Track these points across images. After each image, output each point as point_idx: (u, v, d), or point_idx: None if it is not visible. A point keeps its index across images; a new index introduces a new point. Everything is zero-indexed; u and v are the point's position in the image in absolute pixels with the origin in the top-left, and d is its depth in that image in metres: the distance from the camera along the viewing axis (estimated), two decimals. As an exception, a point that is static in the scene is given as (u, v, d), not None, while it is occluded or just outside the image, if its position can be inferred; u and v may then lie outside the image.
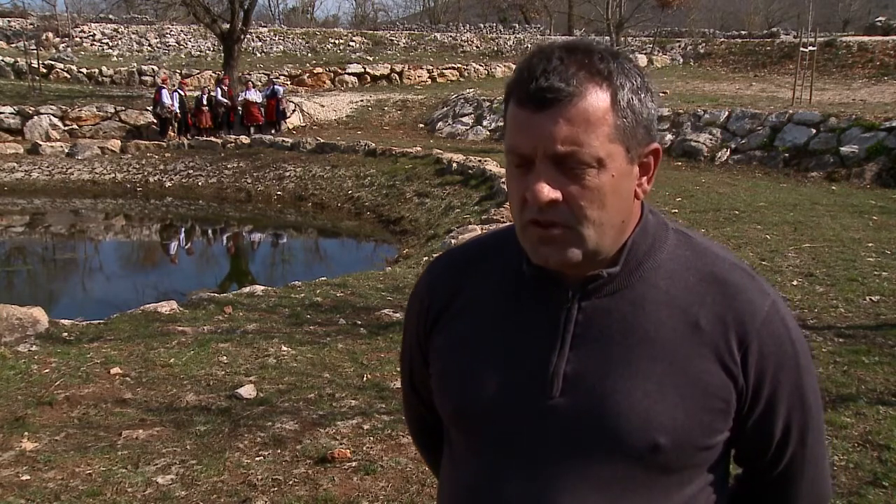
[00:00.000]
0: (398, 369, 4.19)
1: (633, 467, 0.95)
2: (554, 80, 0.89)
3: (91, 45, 28.92)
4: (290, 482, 3.24)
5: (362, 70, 25.57)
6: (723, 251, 1.04)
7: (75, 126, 18.35)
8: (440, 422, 1.13)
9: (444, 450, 1.14)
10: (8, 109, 18.09)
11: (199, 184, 16.36)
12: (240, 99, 18.91)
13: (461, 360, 1.04)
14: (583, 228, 0.92)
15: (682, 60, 26.00)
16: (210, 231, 14.26)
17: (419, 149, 15.28)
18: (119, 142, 17.84)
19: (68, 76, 24.42)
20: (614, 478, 0.95)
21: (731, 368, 0.95)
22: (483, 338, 1.03)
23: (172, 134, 18.19)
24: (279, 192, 15.48)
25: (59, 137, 18.00)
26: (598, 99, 0.90)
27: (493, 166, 12.69)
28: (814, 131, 13.27)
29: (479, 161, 13.15)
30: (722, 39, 27.36)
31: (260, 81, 22.21)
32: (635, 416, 0.93)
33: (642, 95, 0.94)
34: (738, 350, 0.96)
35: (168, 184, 16.45)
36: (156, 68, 25.00)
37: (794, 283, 6.13)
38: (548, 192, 0.90)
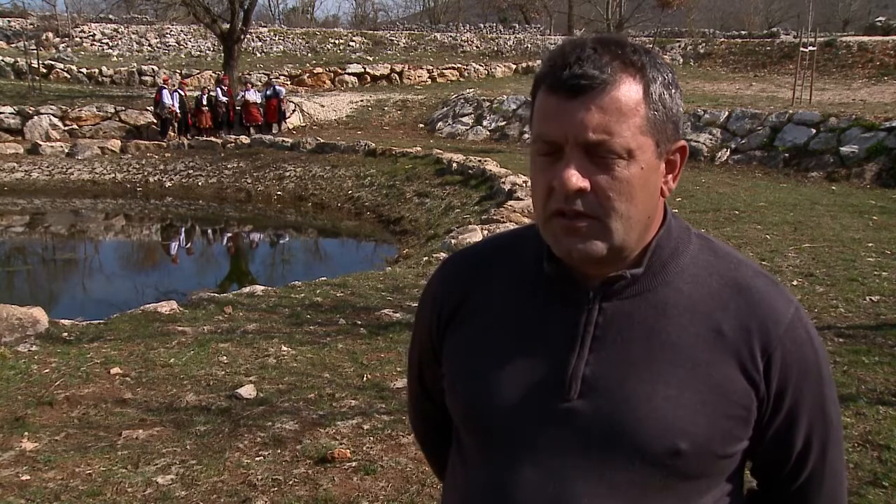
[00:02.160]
0: (398, 369, 4.18)
1: (652, 472, 0.93)
2: (588, 68, 0.88)
3: (91, 45, 28.92)
4: (290, 482, 3.24)
5: (362, 70, 25.58)
6: (745, 258, 1.02)
7: (75, 126, 18.35)
8: (447, 422, 1.12)
9: (451, 451, 1.12)
10: (8, 109, 18.08)
11: (199, 184, 16.36)
12: (238, 98, 18.91)
13: (476, 361, 1.02)
14: (610, 221, 0.90)
15: (682, 60, 25.99)
16: (210, 231, 14.26)
17: (419, 149, 15.28)
18: (119, 142, 17.85)
19: (68, 76, 24.43)
20: (632, 482, 0.93)
21: (753, 376, 0.94)
22: (499, 338, 1.01)
23: (173, 134, 18.20)
24: (279, 192, 15.48)
25: (59, 137, 18.00)
26: (630, 89, 0.89)
27: (493, 166, 12.70)
28: (814, 131, 13.27)
29: (479, 161, 13.15)
30: (722, 39, 27.35)
31: (260, 82, 22.21)
32: (656, 421, 0.92)
33: (672, 91, 0.93)
34: (760, 358, 0.94)
35: (168, 184, 16.45)
36: (156, 68, 25.00)
37: (794, 283, 6.13)
38: (577, 179, 0.89)
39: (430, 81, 25.46)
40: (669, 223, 0.99)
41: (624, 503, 0.94)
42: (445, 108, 19.93)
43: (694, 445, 0.92)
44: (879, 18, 28.99)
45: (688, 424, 0.92)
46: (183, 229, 14.44)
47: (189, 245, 13.64)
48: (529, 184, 0.99)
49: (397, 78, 25.42)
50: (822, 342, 1.00)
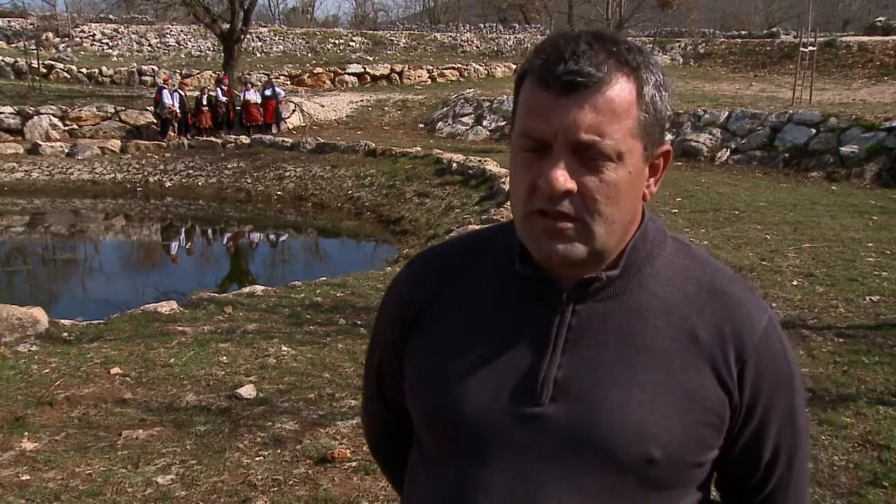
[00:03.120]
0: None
1: (624, 480, 0.90)
2: (584, 65, 0.85)
3: (91, 45, 28.93)
4: (290, 482, 3.24)
5: (362, 70, 25.58)
6: (720, 263, 1.01)
7: (75, 126, 18.35)
8: (403, 426, 1.09)
9: (412, 457, 1.08)
10: (8, 109, 18.08)
11: (199, 184, 16.36)
12: (239, 98, 18.92)
13: (444, 362, 0.98)
14: (594, 224, 0.88)
15: (682, 60, 26.00)
16: (210, 231, 14.25)
17: (419, 149, 15.28)
18: (119, 142, 17.84)
19: (68, 76, 24.43)
20: (603, 490, 0.91)
21: (727, 383, 0.92)
22: (468, 339, 0.97)
23: (173, 134, 18.20)
24: (279, 192, 15.48)
25: (59, 137, 17.99)
26: (624, 90, 0.87)
27: (493, 166, 12.70)
28: (814, 131, 13.28)
29: (479, 161, 13.15)
30: (722, 39, 27.37)
31: (260, 82, 22.23)
32: (629, 428, 0.89)
33: (663, 93, 0.91)
34: (735, 364, 0.93)
35: (168, 184, 16.45)
36: (156, 68, 25.02)
37: (794, 283, 6.13)
38: (564, 180, 0.86)
39: (430, 81, 25.47)
40: (646, 225, 0.97)
41: None
42: (445, 108, 19.93)
43: (667, 453, 0.90)
44: (879, 18, 28.99)
45: (662, 431, 0.90)
46: (183, 229, 14.44)
47: (189, 245, 13.64)
48: (509, 179, 0.94)
49: (397, 78, 25.43)
50: (794, 352, 0.99)
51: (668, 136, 14.60)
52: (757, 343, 0.93)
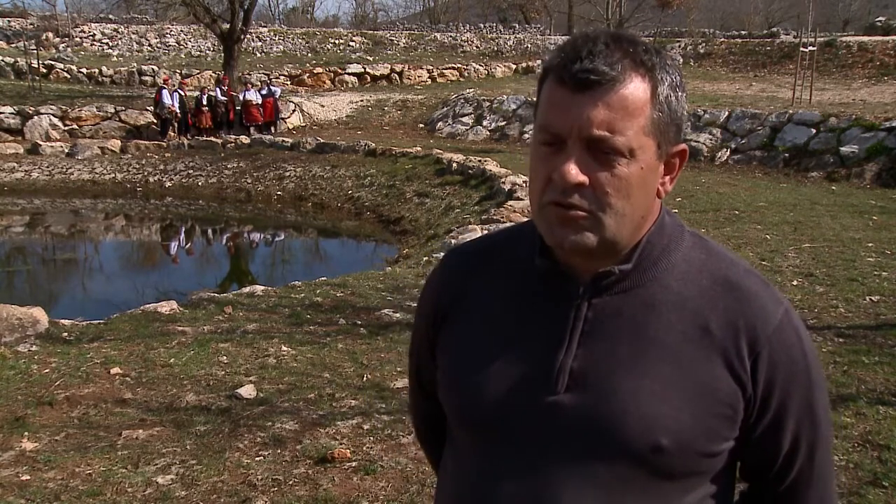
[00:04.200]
0: (398, 369, 4.19)
1: (635, 469, 0.93)
2: (599, 63, 0.89)
3: (91, 45, 28.93)
4: (290, 482, 3.24)
5: (362, 70, 25.59)
6: (737, 257, 1.03)
7: (75, 126, 18.34)
8: (444, 417, 1.13)
9: (445, 448, 1.14)
10: (8, 109, 18.08)
11: (199, 184, 16.36)
12: (238, 98, 18.92)
13: (467, 355, 1.03)
14: (604, 216, 0.91)
15: (682, 60, 25.97)
16: (210, 231, 14.25)
17: (419, 149, 15.28)
18: (119, 142, 17.84)
19: (68, 76, 24.43)
20: (616, 478, 0.94)
21: (739, 375, 0.94)
22: (490, 333, 1.02)
23: (173, 134, 18.20)
24: (279, 192, 15.48)
25: (59, 137, 17.99)
26: (638, 89, 0.90)
27: (493, 166, 12.71)
28: (814, 131, 13.28)
29: (479, 161, 13.15)
30: (722, 39, 27.34)
31: (260, 81, 22.24)
32: (639, 417, 0.92)
33: (679, 94, 0.94)
34: (748, 357, 0.94)
35: (168, 184, 16.45)
36: (156, 68, 25.01)
37: (794, 283, 6.14)
38: (576, 173, 0.89)
39: (430, 81, 25.47)
40: (662, 220, 1.00)
41: (605, 498, 0.94)
42: (445, 108, 19.93)
43: (676, 442, 0.92)
44: (879, 18, 28.99)
45: (671, 421, 0.92)
46: (183, 229, 14.44)
47: (189, 245, 13.63)
48: (528, 171, 0.99)
49: (397, 78, 25.43)
50: (812, 344, 1.00)
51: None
52: (771, 335, 0.95)
